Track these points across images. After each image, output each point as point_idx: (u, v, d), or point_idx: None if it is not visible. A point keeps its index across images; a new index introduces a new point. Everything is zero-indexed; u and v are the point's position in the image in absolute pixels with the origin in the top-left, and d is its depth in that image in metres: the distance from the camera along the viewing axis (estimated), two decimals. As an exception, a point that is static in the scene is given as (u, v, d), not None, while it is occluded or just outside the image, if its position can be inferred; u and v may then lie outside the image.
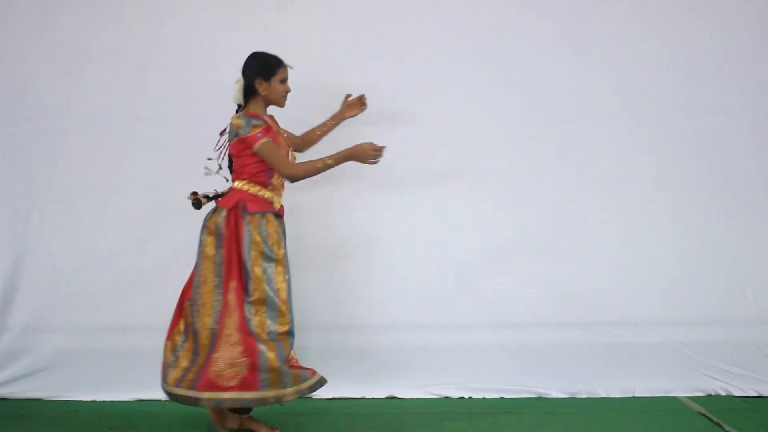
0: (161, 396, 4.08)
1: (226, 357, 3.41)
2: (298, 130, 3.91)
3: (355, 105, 4.00)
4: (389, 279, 4.30)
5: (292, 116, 3.79)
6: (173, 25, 4.27)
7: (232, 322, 3.44)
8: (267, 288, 3.48)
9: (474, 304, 4.29)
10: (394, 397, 4.27)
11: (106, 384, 4.20)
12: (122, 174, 4.26)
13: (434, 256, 4.31)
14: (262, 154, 3.48)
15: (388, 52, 4.29)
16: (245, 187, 3.55)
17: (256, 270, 3.48)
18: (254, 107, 3.58)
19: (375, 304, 4.30)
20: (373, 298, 4.30)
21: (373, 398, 4.26)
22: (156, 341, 4.04)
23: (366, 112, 4.18)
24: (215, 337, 3.44)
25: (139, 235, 4.25)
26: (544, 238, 4.32)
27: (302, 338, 4.03)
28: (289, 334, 3.55)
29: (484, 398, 4.26)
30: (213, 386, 3.39)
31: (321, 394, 4.23)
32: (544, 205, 4.31)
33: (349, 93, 3.99)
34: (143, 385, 4.13)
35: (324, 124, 3.95)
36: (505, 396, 4.27)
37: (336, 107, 4.00)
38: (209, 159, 3.67)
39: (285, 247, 3.60)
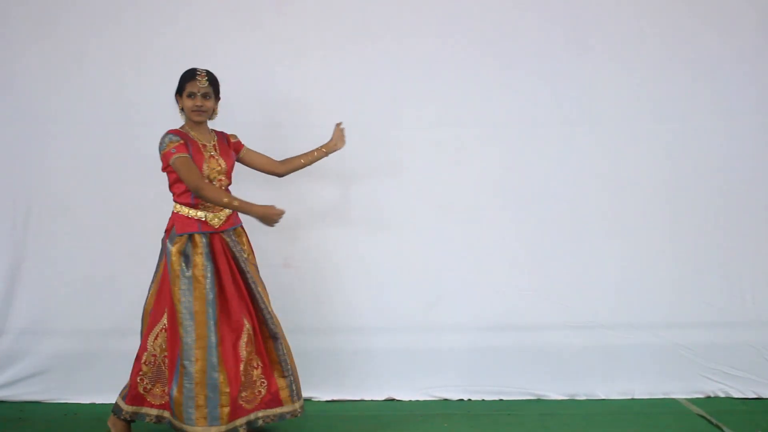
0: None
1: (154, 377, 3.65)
2: (297, 133, 3.88)
3: (342, 137, 3.90)
4: (388, 281, 4.30)
5: (291, 118, 3.78)
6: (171, 27, 4.26)
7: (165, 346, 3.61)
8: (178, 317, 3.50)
9: (473, 307, 4.29)
10: (393, 400, 4.27)
11: (105, 387, 4.18)
12: (121, 176, 4.25)
13: (433, 258, 4.31)
14: (176, 168, 3.45)
15: (386, 54, 4.28)
16: (176, 209, 3.57)
17: (175, 294, 3.48)
18: (186, 124, 3.60)
19: (374, 307, 4.29)
20: (372, 301, 4.29)
21: (372, 400, 4.26)
22: (155, 344, 4.04)
23: (364, 112, 4.19)
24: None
25: (137, 238, 4.24)
26: (543, 240, 4.31)
27: (301, 341, 4.04)
28: (192, 371, 3.46)
29: (483, 400, 4.27)
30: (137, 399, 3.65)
31: (320, 396, 4.25)
32: (543, 207, 4.31)
33: (340, 121, 3.90)
34: (142, 387, 4.13)
35: (310, 154, 3.85)
36: (505, 398, 4.27)
37: (335, 108, 3.99)
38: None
39: (209, 269, 3.49)
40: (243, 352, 3.54)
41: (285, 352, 3.65)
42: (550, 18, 4.29)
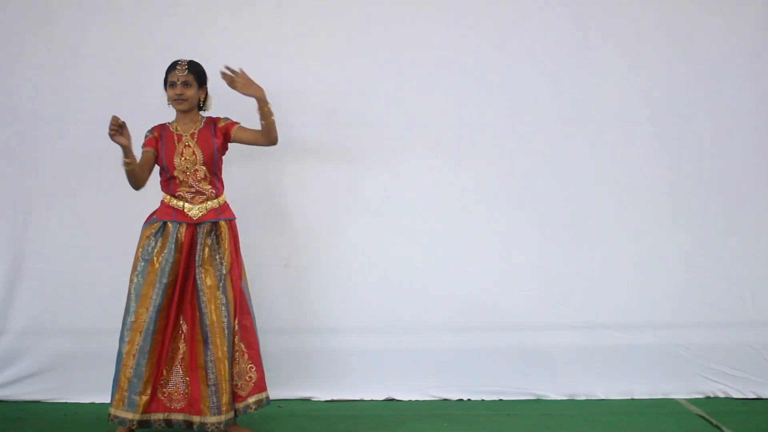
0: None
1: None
2: (296, 132, 3.89)
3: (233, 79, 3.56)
4: (388, 281, 4.30)
5: (290, 119, 3.78)
6: (170, 26, 4.27)
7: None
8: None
9: (472, 307, 4.29)
10: (392, 400, 4.27)
11: (105, 386, 4.13)
12: (121, 175, 4.24)
13: (433, 258, 4.31)
14: None
15: (385, 56, 4.28)
16: (162, 197, 3.65)
17: (131, 273, 3.58)
18: (176, 116, 3.65)
19: (373, 307, 4.29)
20: (372, 301, 4.29)
21: (372, 400, 4.26)
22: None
23: (364, 112, 4.19)
24: None
25: (137, 237, 4.23)
26: (543, 240, 4.32)
27: (300, 341, 4.04)
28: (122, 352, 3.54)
29: (482, 400, 4.26)
30: None
31: (319, 396, 4.25)
32: (543, 207, 4.31)
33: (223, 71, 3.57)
34: (142, 387, 4.13)
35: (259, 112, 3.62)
36: (504, 398, 4.27)
37: (334, 109, 3.98)
38: None
39: (170, 255, 3.53)
40: (180, 347, 3.56)
41: (213, 360, 3.47)
42: (550, 18, 4.29)
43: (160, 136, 3.60)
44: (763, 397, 4.26)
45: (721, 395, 4.28)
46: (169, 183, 3.60)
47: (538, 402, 4.25)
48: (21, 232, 4.27)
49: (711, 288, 4.31)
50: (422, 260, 4.31)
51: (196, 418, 3.50)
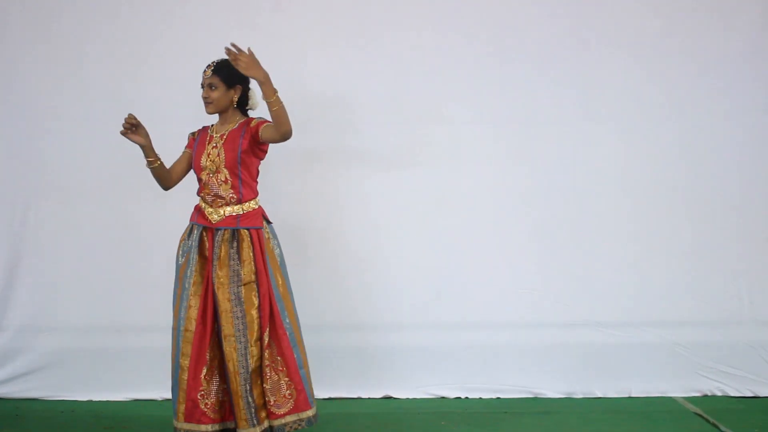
0: (156, 396, 4.09)
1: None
2: (297, 132, 3.87)
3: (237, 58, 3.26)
4: (386, 279, 4.30)
5: (292, 118, 3.77)
6: (171, 24, 4.27)
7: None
8: None
9: (470, 305, 4.29)
10: (390, 398, 4.27)
11: (102, 384, 4.19)
12: (119, 173, 4.25)
13: (431, 256, 4.31)
14: None
15: (384, 54, 4.28)
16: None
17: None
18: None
19: (371, 305, 4.30)
20: (370, 299, 4.29)
21: (369, 398, 4.26)
22: (152, 341, 4.06)
23: (363, 111, 4.19)
24: None
25: (136, 235, 4.25)
26: (541, 239, 4.32)
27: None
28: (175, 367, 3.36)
29: (480, 398, 4.27)
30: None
31: (317, 394, 4.23)
32: (541, 206, 4.31)
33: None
34: (139, 385, 4.14)
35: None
36: (502, 396, 4.27)
37: (333, 110, 3.98)
38: None
39: (192, 260, 3.40)
40: (208, 356, 3.37)
41: (227, 372, 3.32)
42: (551, 15, 4.29)
43: (197, 137, 3.52)
44: (761, 395, 4.27)
45: (719, 393, 4.28)
46: (199, 184, 3.50)
47: (536, 400, 4.25)
48: (19, 229, 4.26)
49: (708, 287, 4.31)
50: (419, 258, 4.31)
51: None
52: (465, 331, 4.28)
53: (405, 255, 4.31)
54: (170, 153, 4.19)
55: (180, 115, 4.21)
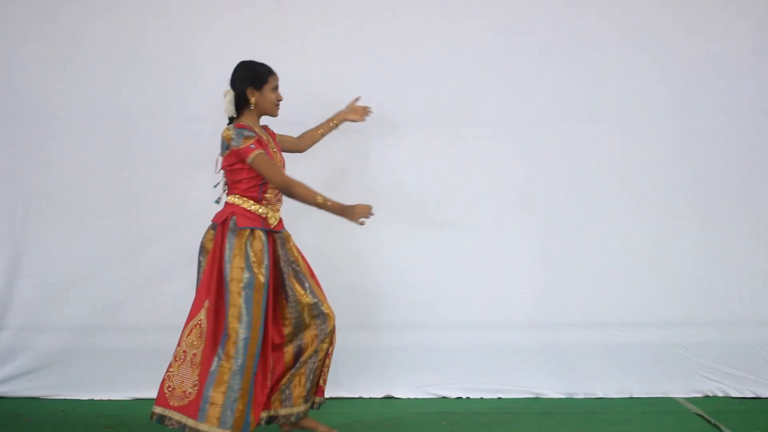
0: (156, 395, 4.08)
1: (182, 375, 3.38)
2: (295, 133, 3.89)
3: (358, 111, 3.96)
4: (387, 279, 4.30)
5: (289, 119, 3.78)
6: (171, 23, 4.26)
7: (199, 342, 3.37)
8: (232, 311, 3.33)
9: (471, 305, 4.29)
10: (391, 397, 4.27)
11: (103, 383, 4.19)
12: (119, 173, 4.25)
13: (432, 255, 4.31)
14: (257, 165, 3.35)
15: (386, 54, 4.28)
16: (237, 201, 3.42)
17: (233, 287, 3.32)
18: (246, 118, 3.45)
19: (372, 304, 4.29)
20: (371, 299, 4.29)
21: (370, 398, 4.26)
22: (153, 341, 4.05)
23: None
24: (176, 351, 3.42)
25: (136, 234, 4.24)
26: (542, 239, 4.32)
27: (300, 338, 4.00)
28: (236, 370, 3.31)
29: (481, 398, 4.27)
30: (161, 400, 3.37)
31: (318, 393, 4.24)
32: (542, 206, 4.31)
33: (359, 96, 3.95)
34: (139, 384, 4.13)
35: (325, 124, 3.89)
36: (503, 396, 4.27)
37: (333, 110, 3.98)
38: (215, 186, 3.54)
39: (267, 268, 3.39)
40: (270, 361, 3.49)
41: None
42: (553, 15, 4.29)
43: (260, 140, 3.40)
44: (762, 396, 4.27)
45: (720, 394, 4.28)
46: (257, 189, 3.42)
47: (537, 400, 4.25)
48: (19, 230, 4.26)
49: (710, 287, 4.31)
50: (421, 257, 4.30)
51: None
52: (466, 331, 4.28)
53: (406, 254, 4.31)
54: (170, 151, 4.22)
55: (182, 114, 4.23)
